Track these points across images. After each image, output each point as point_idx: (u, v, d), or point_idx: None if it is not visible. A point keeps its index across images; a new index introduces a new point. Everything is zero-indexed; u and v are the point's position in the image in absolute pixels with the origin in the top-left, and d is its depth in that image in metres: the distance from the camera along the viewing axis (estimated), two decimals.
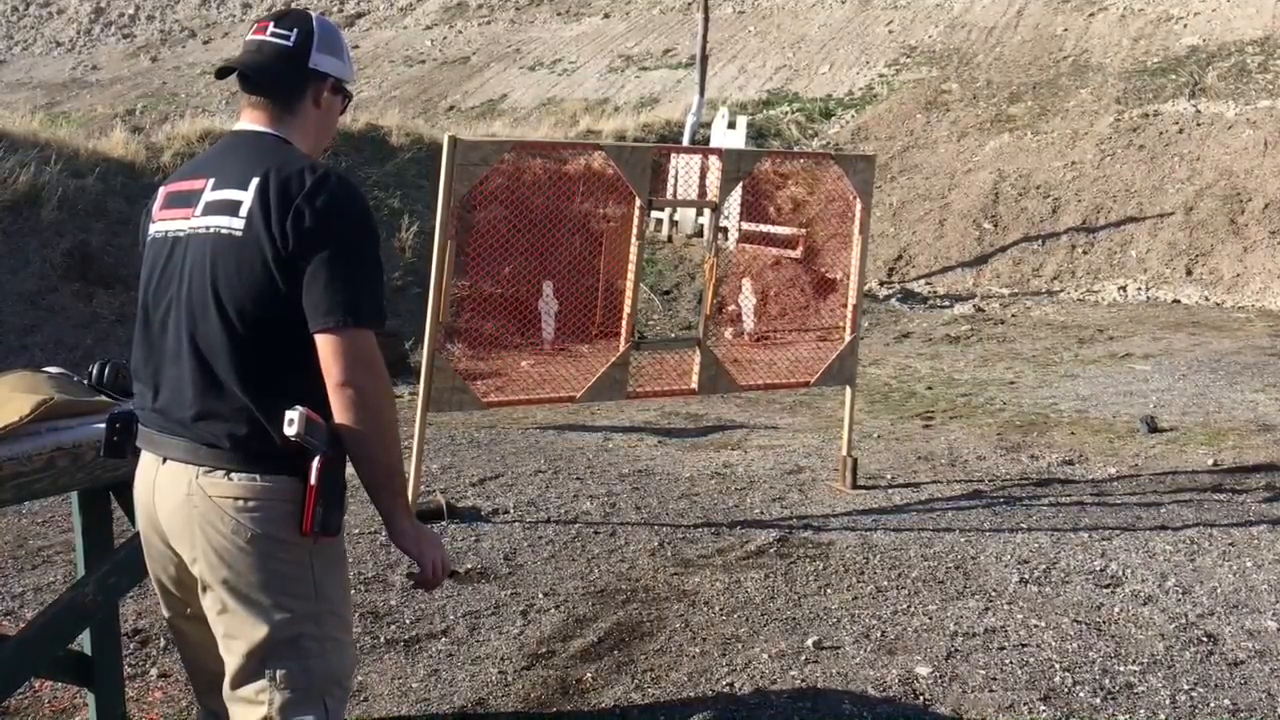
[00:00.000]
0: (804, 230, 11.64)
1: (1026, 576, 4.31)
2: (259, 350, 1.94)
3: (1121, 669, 3.49)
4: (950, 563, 4.47)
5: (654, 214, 13.09)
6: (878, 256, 13.80)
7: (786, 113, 19.04)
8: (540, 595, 4.09)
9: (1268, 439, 6.47)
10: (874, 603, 4.04)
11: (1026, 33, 20.91)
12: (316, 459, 1.91)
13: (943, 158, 16.19)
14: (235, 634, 1.96)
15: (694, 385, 5.40)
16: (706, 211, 7.21)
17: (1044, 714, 3.19)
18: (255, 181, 1.94)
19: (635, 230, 5.20)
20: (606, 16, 27.62)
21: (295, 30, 2.06)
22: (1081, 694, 3.32)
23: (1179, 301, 12.59)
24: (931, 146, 16.63)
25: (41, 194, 10.15)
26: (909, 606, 4.01)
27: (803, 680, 3.41)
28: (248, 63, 2.05)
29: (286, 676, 1.95)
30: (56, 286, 9.60)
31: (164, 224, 2.06)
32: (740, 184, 5.86)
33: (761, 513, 5.18)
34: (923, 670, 3.47)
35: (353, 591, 3.22)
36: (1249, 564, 4.45)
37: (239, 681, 1.98)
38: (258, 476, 1.93)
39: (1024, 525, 4.98)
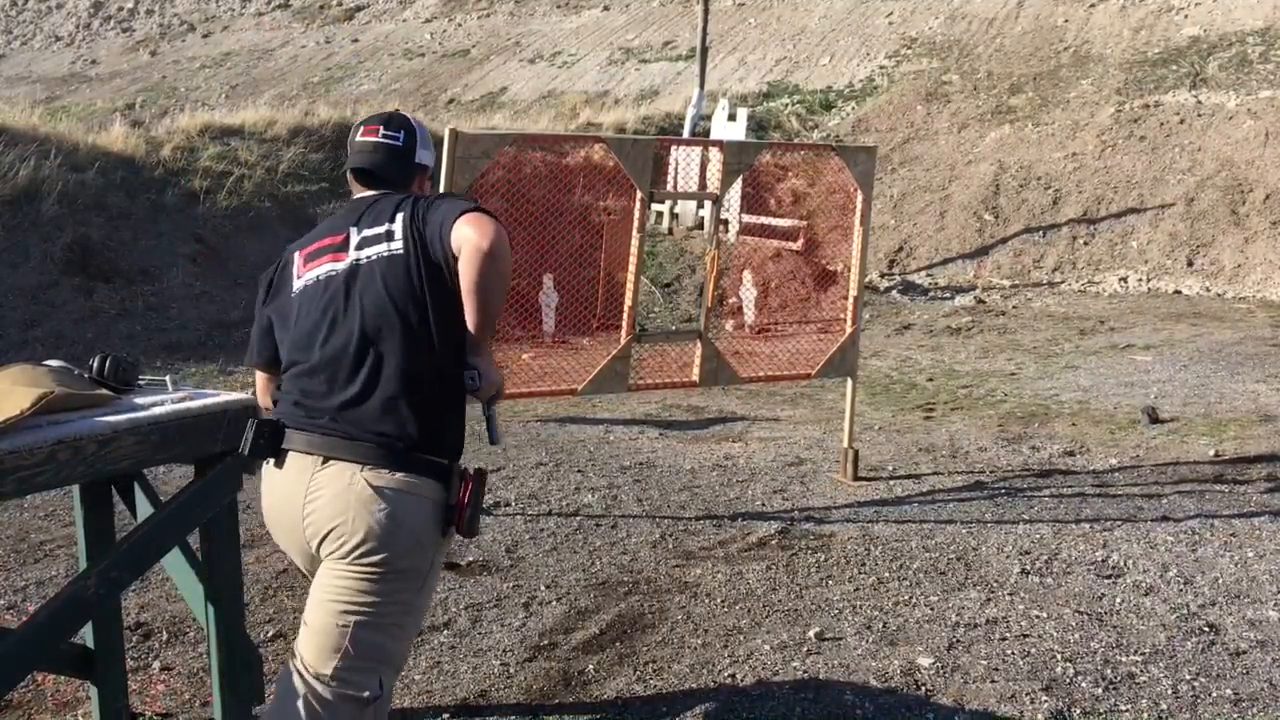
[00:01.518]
0: (805, 222, 11.62)
1: (1028, 567, 4.31)
2: (434, 358, 2.24)
3: (1123, 659, 3.49)
4: (952, 554, 4.48)
5: (655, 207, 13.06)
6: (878, 248, 13.78)
7: (787, 105, 19.00)
8: (542, 588, 4.10)
9: (1269, 430, 6.46)
10: (875, 594, 4.05)
11: (1027, 24, 20.86)
12: (474, 471, 2.27)
13: (943, 149, 16.16)
14: (340, 596, 2.18)
15: (695, 377, 5.40)
16: (707, 204, 7.20)
17: (1046, 704, 3.19)
18: (401, 215, 2.30)
19: (636, 223, 5.19)
20: (606, 9, 27.56)
21: (402, 132, 2.48)
22: (1083, 684, 3.32)
23: (1180, 292, 12.58)
24: (932, 138, 16.60)
25: (42, 188, 10.14)
26: (910, 598, 4.01)
27: (805, 671, 3.42)
28: (369, 163, 2.45)
29: (361, 645, 2.17)
30: (57, 281, 9.60)
31: (314, 272, 2.35)
32: (741, 176, 5.84)
33: (763, 504, 5.18)
34: (924, 661, 3.48)
35: None
36: (1250, 554, 4.45)
37: (321, 635, 2.19)
38: (412, 475, 2.22)
39: (1025, 516, 4.98)
